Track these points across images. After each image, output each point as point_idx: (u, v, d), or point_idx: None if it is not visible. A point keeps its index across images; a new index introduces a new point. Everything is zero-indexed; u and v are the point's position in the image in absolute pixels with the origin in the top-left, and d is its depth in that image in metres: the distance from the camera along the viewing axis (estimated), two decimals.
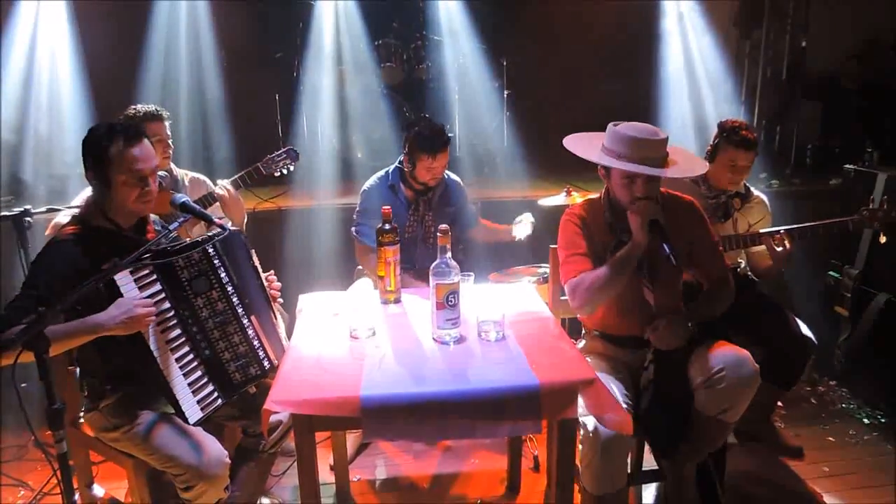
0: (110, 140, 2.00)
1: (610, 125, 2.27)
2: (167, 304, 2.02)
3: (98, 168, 2.02)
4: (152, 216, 2.25)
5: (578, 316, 2.60)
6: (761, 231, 2.91)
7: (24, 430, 3.15)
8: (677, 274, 2.36)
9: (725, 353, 2.16)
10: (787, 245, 2.80)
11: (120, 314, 1.86)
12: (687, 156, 2.40)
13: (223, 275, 2.13)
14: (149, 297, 1.96)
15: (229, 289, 2.14)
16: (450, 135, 3.05)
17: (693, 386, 2.16)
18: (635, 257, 2.19)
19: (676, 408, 2.16)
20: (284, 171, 3.14)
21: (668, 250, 2.11)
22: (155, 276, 1.99)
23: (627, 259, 2.18)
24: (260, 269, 2.31)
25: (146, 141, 2.08)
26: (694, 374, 2.17)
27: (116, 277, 1.86)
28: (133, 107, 2.88)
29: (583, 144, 2.34)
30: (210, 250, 2.10)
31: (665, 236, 2.14)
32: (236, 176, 2.98)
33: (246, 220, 2.99)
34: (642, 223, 2.16)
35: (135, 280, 1.94)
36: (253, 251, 2.29)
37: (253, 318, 2.19)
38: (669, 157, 2.24)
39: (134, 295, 1.91)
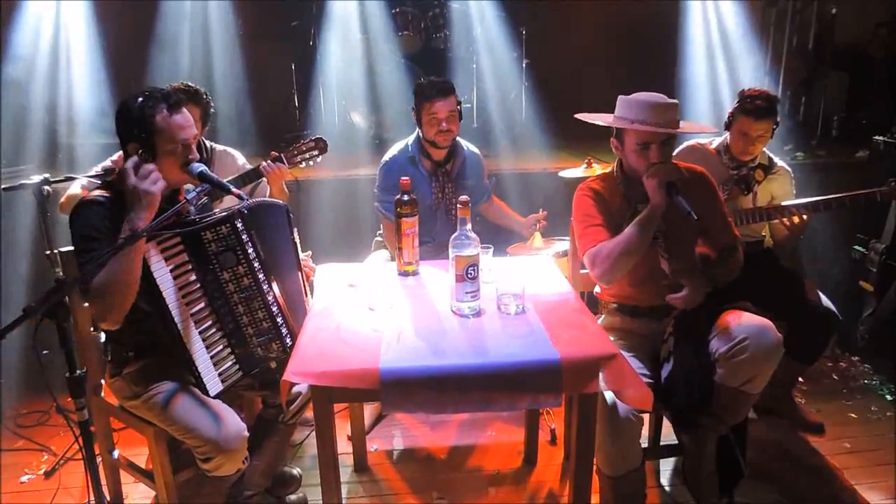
0: (154, 109, 1.97)
1: (620, 96, 2.29)
2: (193, 277, 2.01)
3: (144, 138, 1.97)
4: (186, 185, 2.22)
5: (595, 291, 2.57)
6: (784, 204, 2.86)
7: (47, 396, 3.20)
8: (692, 241, 2.35)
9: (748, 324, 2.13)
10: (805, 218, 2.77)
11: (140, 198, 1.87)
12: (694, 125, 2.43)
13: (251, 250, 2.09)
14: (175, 268, 1.96)
15: (256, 264, 2.10)
16: (455, 88, 2.98)
17: (715, 357, 2.13)
18: (655, 220, 2.16)
19: (698, 380, 2.13)
20: (311, 163, 2.90)
21: (687, 208, 2.10)
22: (182, 247, 1.98)
23: (647, 222, 2.16)
24: (298, 244, 2.29)
25: (185, 109, 2.05)
26: (716, 345, 2.15)
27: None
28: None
29: (595, 117, 2.38)
30: (239, 224, 2.06)
31: (683, 195, 2.13)
32: (254, 167, 2.84)
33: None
34: (658, 185, 2.15)
35: (161, 250, 1.93)
36: (295, 229, 2.28)
37: (279, 294, 2.17)
38: (681, 125, 2.27)
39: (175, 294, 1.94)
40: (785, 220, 2.83)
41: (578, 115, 2.43)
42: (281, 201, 2.28)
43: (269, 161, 2.78)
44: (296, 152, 2.86)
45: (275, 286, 2.16)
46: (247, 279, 2.10)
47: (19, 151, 4.00)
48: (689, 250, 2.35)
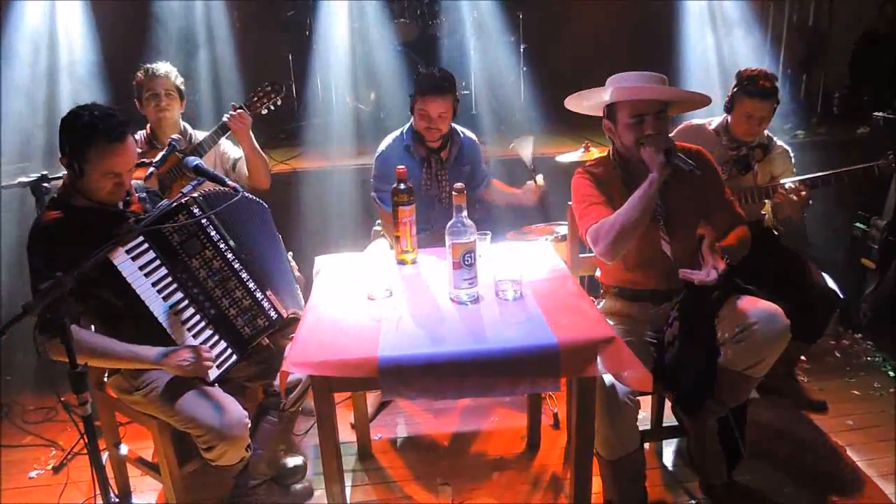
0: (90, 140, 1.95)
1: (611, 76, 2.30)
2: (164, 271, 2.03)
3: (74, 158, 1.98)
4: (134, 183, 2.23)
5: (596, 274, 2.57)
6: (782, 181, 2.85)
7: (53, 392, 3.22)
8: (694, 223, 2.33)
9: (757, 308, 2.13)
10: (803, 193, 2.75)
11: (189, 357, 1.96)
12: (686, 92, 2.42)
13: (213, 233, 2.13)
14: (143, 265, 1.98)
15: (222, 246, 2.14)
16: (455, 84, 2.96)
17: (721, 341, 2.13)
18: (656, 188, 2.13)
19: (702, 363, 2.13)
20: (272, 108, 2.98)
21: (690, 164, 2.11)
22: (147, 245, 2.00)
23: (648, 190, 2.13)
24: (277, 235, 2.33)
25: (129, 139, 2.02)
26: (722, 329, 2.14)
27: (110, 256, 1.86)
28: (144, 66, 2.91)
29: (584, 97, 2.37)
30: (196, 210, 2.08)
31: (682, 157, 2.14)
32: (223, 120, 2.89)
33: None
34: (656, 150, 2.14)
35: (126, 251, 1.94)
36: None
37: (254, 270, 2.20)
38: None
39: (153, 291, 1.98)
40: (784, 195, 2.79)
41: (568, 103, 2.42)
42: (253, 196, 2.27)
43: (229, 113, 2.87)
44: (255, 98, 2.95)
45: (248, 263, 2.19)
46: (216, 262, 2.13)
47: (18, 149, 4.00)
48: (690, 233, 2.33)
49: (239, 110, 2.87)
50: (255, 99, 2.95)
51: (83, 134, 1.95)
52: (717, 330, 2.16)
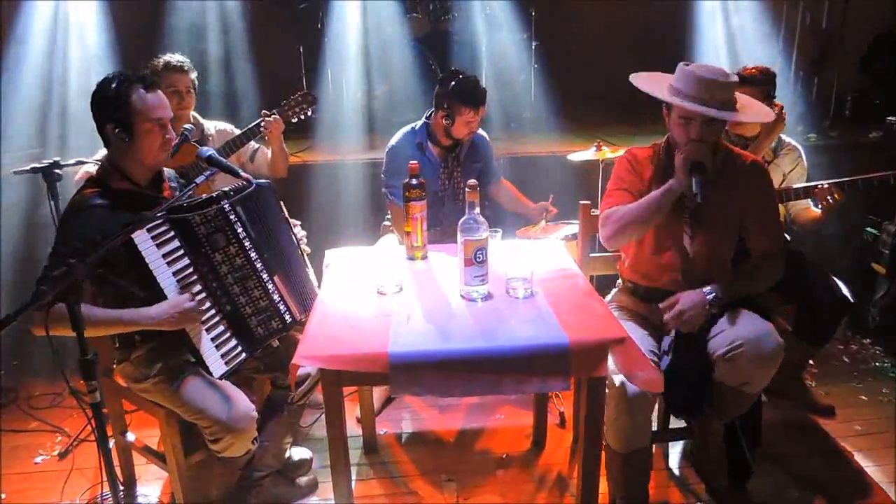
0: (130, 89, 1.98)
1: (681, 64, 2.19)
2: (186, 261, 2.02)
3: (121, 118, 1.99)
4: (167, 171, 2.24)
5: (617, 266, 2.54)
6: (805, 185, 2.83)
7: (60, 378, 3.21)
8: (727, 233, 2.27)
9: (747, 327, 2.09)
10: (837, 196, 2.71)
11: (171, 309, 1.93)
12: (755, 104, 2.28)
13: (240, 230, 2.11)
14: (167, 253, 1.96)
15: (247, 244, 2.13)
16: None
17: (714, 356, 2.10)
18: (671, 196, 2.12)
19: (695, 377, 2.12)
20: (302, 117, 3.02)
21: (695, 189, 2.05)
22: (173, 233, 1.99)
23: (662, 197, 2.12)
24: (289, 220, 2.33)
25: (159, 90, 2.06)
26: (714, 345, 2.12)
27: (134, 236, 1.86)
28: (158, 57, 2.91)
29: (651, 82, 2.25)
30: (226, 206, 2.08)
31: (703, 177, 2.07)
32: (251, 126, 2.93)
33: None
34: (685, 164, 2.09)
35: (152, 237, 1.93)
36: (281, 203, 2.30)
37: (273, 271, 2.19)
38: (738, 104, 2.16)
39: (172, 281, 1.97)
40: (822, 200, 2.75)
41: (634, 80, 2.26)
42: (264, 181, 2.26)
43: (263, 119, 2.90)
44: (286, 108, 2.98)
45: (270, 263, 2.18)
46: (239, 259, 2.12)
47: (29, 135, 4.00)
48: (713, 239, 2.25)
49: (274, 116, 2.91)
50: (287, 108, 2.98)
51: (120, 88, 1.98)
52: (710, 345, 2.13)
